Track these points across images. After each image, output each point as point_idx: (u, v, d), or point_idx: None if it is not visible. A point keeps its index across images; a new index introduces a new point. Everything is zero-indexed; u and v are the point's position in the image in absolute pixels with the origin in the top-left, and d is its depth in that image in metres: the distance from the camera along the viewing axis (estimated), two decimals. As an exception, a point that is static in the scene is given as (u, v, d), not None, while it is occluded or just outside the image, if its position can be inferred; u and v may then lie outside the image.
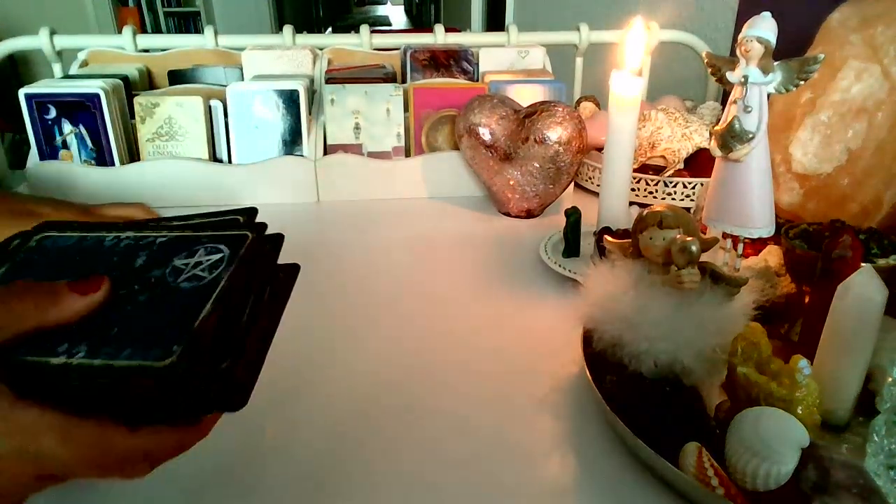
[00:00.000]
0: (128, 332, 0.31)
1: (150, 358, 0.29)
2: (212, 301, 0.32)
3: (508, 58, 0.95)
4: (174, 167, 0.80)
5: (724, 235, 0.51)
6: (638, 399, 0.40)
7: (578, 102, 0.98)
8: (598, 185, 0.72)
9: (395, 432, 0.44)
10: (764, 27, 0.45)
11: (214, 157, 0.82)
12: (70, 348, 0.30)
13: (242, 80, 0.91)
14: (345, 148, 0.84)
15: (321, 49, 0.98)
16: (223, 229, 0.37)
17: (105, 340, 0.31)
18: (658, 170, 0.83)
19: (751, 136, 0.47)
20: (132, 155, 0.84)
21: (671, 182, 0.79)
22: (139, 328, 0.31)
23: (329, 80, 0.86)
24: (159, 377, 0.29)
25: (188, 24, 5.35)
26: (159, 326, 0.31)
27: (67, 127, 0.80)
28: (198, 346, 0.30)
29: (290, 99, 0.81)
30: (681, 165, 0.83)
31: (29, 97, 0.79)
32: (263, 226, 0.37)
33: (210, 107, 0.81)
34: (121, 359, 0.29)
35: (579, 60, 1.11)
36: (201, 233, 0.36)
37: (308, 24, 9.04)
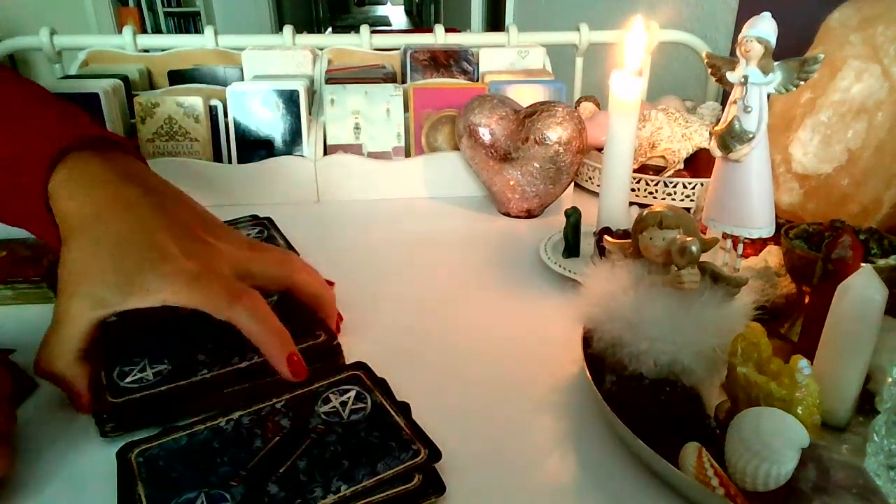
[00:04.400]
0: (359, 461, 0.36)
1: (407, 459, 0.36)
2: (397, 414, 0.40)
3: (508, 58, 0.95)
4: (174, 167, 0.79)
5: (724, 235, 0.51)
6: (638, 399, 0.40)
7: (578, 102, 0.98)
8: (598, 185, 0.72)
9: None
10: (764, 27, 0.45)
11: (215, 157, 0.82)
12: (325, 492, 0.33)
13: (242, 80, 0.91)
14: (345, 148, 0.84)
15: (321, 49, 0.98)
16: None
17: (349, 476, 0.35)
18: (658, 170, 0.83)
19: (751, 136, 0.47)
20: (132, 155, 0.84)
21: (671, 182, 0.79)
22: (367, 452, 0.36)
23: (329, 81, 0.86)
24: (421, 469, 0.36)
25: (188, 24, 5.36)
26: (380, 444, 0.37)
27: (67, 127, 0.80)
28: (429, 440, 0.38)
29: (290, 99, 0.81)
30: (681, 166, 0.83)
31: (29, 97, 0.79)
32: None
33: (210, 107, 0.81)
34: (381, 472, 0.35)
35: (579, 60, 1.11)
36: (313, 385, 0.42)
37: (308, 24, 9.04)
